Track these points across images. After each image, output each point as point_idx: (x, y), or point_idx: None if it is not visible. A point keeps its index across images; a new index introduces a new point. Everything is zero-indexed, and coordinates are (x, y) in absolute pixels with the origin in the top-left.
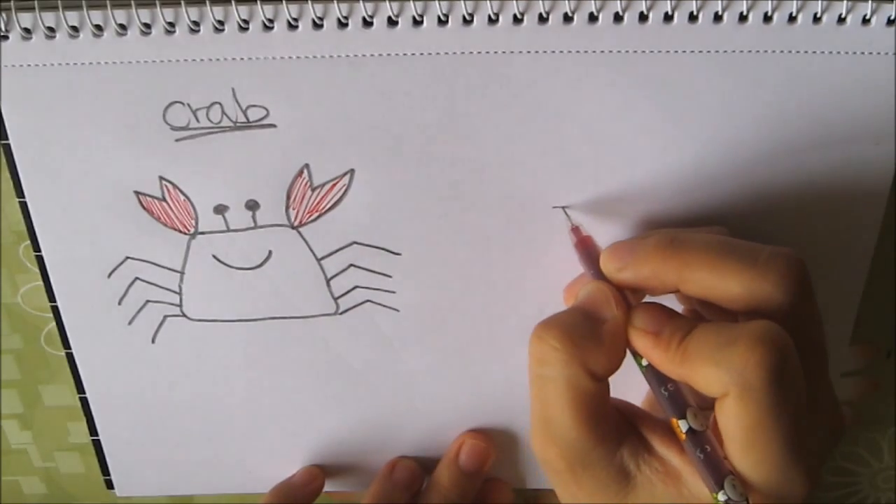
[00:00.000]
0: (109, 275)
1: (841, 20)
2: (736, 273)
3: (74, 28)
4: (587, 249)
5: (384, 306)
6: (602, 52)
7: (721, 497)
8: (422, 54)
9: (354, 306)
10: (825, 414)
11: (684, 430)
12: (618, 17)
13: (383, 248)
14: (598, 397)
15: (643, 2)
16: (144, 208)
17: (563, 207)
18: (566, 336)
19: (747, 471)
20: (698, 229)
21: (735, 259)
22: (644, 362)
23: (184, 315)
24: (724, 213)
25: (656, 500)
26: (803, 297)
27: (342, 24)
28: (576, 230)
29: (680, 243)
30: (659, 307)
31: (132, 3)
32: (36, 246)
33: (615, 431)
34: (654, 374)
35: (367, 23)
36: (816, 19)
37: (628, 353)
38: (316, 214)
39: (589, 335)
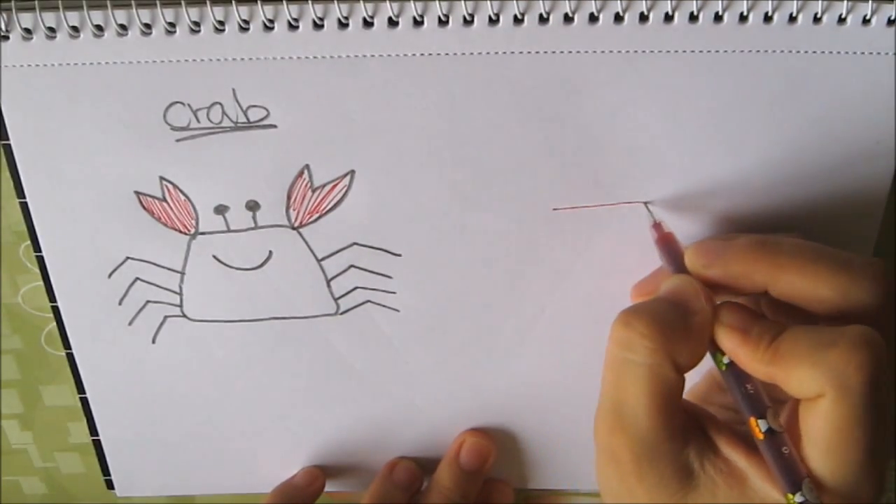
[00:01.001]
0: (110, 275)
1: (841, 20)
2: (829, 277)
3: (75, 28)
4: (669, 245)
5: (384, 307)
6: (602, 52)
7: (798, 499)
8: (422, 55)
9: (355, 307)
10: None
11: (763, 430)
12: (618, 18)
13: (383, 249)
14: (676, 391)
15: (643, 2)
16: (145, 208)
17: (645, 203)
18: (656, 324)
19: (825, 473)
20: (781, 235)
21: (830, 263)
22: (725, 360)
23: (184, 315)
24: (723, 213)
25: (717, 500)
26: (889, 306)
27: (343, 25)
28: (657, 226)
29: (772, 245)
30: (745, 307)
31: (133, 3)
32: (36, 246)
33: (684, 429)
34: (734, 373)
35: (367, 23)
36: (817, 19)
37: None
38: (316, 215)
39: (678, 327)
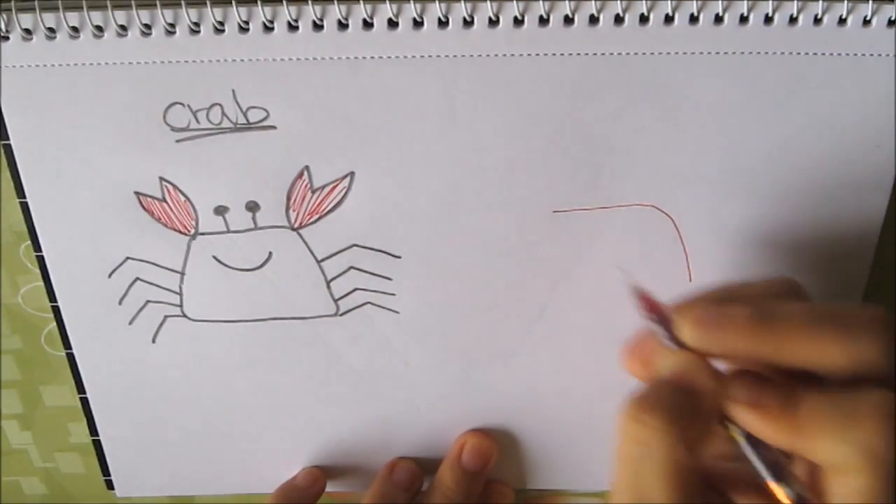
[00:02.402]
0: (110, 275)
1: (842, 21)
2: (838, 343)
3: (75, 29)
4: (658, 313)
5: (384, 308)
6: (603, 53)
7: None
8: (422, 56)
9: (354, 308)
10: None
11: (791, 497)
12: (618, 19)
13: (383, 251)
14: (694, 472)
15: (644, 3)
16: (145, 209)
17: (621, 269)
18: (670, 416)
19: None
20: (767, 283)
21: (834, 329)
22: (740, 432)
23: (184, 315)
24: (724, 215)
25: None
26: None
27: (342, 26)
28: (643, 296)
29: (775, 318)
30: (753, 375)
31: (133, 4)
32: (36, 246)
33: (702, 493)
34: (751, 443)
35: (367, 24)
36: (817, 21)
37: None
38: (316, 216)
39: (690, 412)
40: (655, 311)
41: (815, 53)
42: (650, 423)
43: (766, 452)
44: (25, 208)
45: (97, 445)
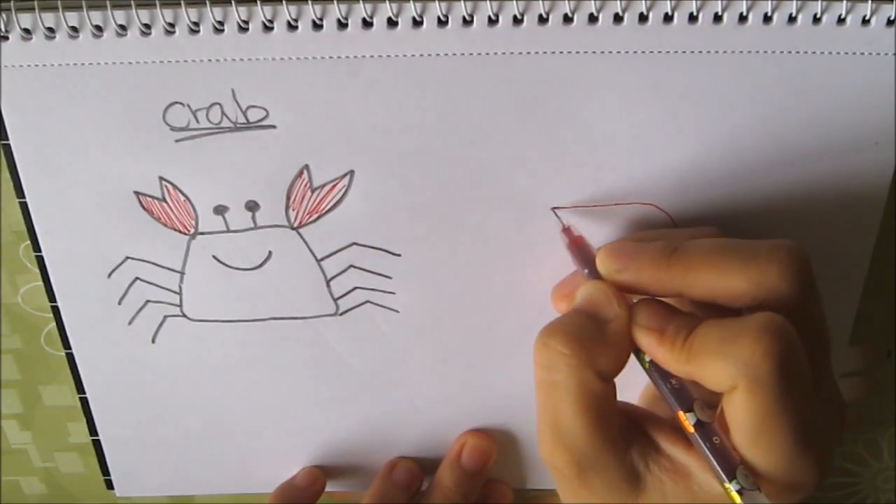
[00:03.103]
0: (109, 275)
1: (841, 21)
2: (740, 270)
3: (74, 28)
4: (580, 250)
5: (384, 307)
6: (602, 52)
7: (734, 487)
8: (422, 55)
9: (354, 307)
10: (830, 404)
11: (692, 423)
12: (618, 18)
13: (383, 249)
14: (608, 399)
15: (643, 2)
16: (144, 209)
17: (553, 209)
18: (573, 340)
19: (757, 461)
20: (689, 230)
21: (737, 257)
22: (647, 359)
23: (184, 315)
24: (723, 214)
25: (667, 499)
26: (806, 285)
27: (342, 25)
28: (567, 231)
29: (682, 252)
30: (660, 304)
31: (132, 3)
32: (36, 246)
33: (623, 433)
34: (657, 371)
35: (366, 24)
36: (816, 20)
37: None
38: (316, 215)
39: (595, 337)
40: (580, 247)
41: (814, 52)
42: (554, 347)
43: (674, 382)
44: (25, 208)
45: (97, 445)
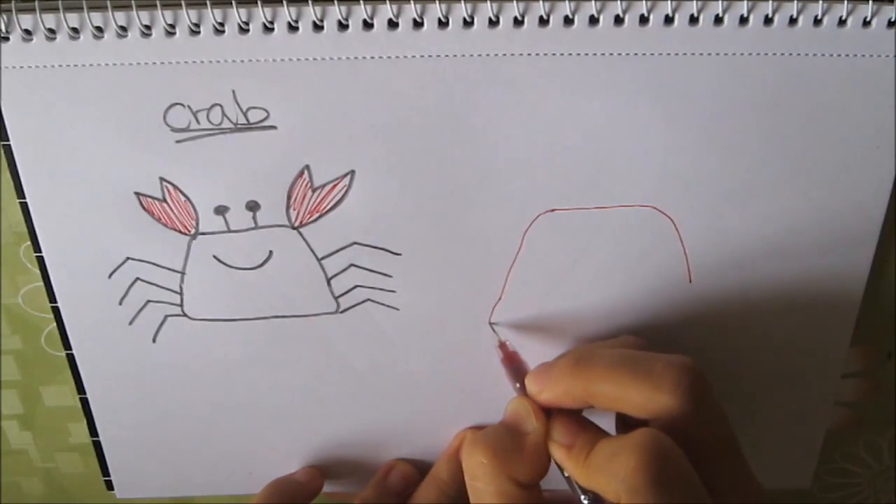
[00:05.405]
0: (110, 275)
1: (842, 22)
2: (634, 385)
3: (75, 29)
4: (514, 365)
5: (384, 305)
6: (603, 54)
7: None
8: (422, 56)
9: (355, 305)
10: (747, 499)
11: None
12: (618, 20)
13: (384, 249)
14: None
15: (644, 3)
16: (145, 209)
17: (491, 324)
18: (491, 450)
19: None
20: (607, 342)
21: (633, 371)
22: (566, 473)
23: (185, 315)
24: (723, 214)
25: None
26: (698, 399)
27: (342, 26)
28: (503, 346)
29: (585, 361)
30: (575, 419)
31: (133, 4)
32: (37, 247)
33: None
34: (574, 484)
35: (367, 25)
36: (817, 21)
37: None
38: (317, 215)
39: (513, 448)
40: (513, 362)
41: (814, 54)
42: (475, 457)
43: (591, 495)
44: (25, 209)
45: (97, 446)
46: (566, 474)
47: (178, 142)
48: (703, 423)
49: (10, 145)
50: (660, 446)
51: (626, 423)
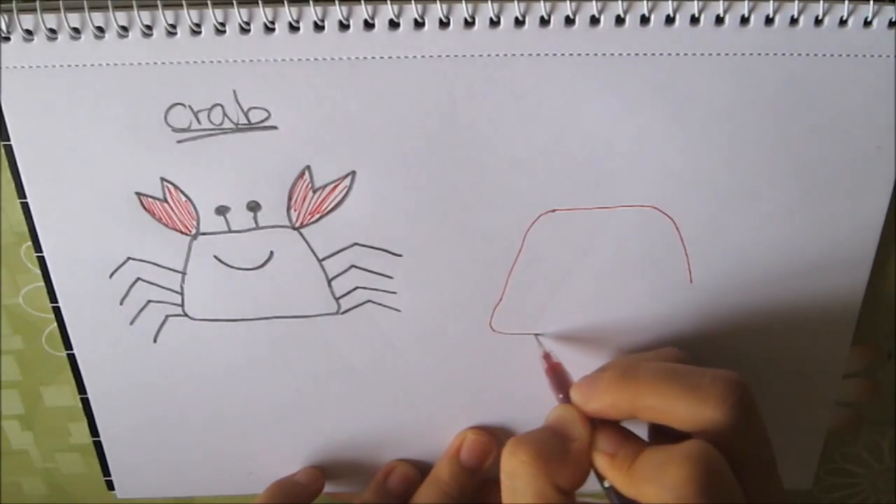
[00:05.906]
0: (111, 275)
1: (842, 23)
2: (681, 399)
3: (76, 30)
4: (557, 376)
5: (385, 307)
6: (603, 54)
7: None
8: (423, 57)
9: (356, 306)
10: None
11: None
12: (619, 20)
13: (384, 250)
14: None
15: (645, 4)
16: (146, 209)
17: (535, 335)
18: (535, 452)
19: None
20: (650, 354)
21: (680, 385)
22: (606, 483)
23: (185, 315)
24: (723, 215)
25: None
26: (744, 415)
27: (343, 27)
28: (547, 357)
29: (631, 375)
30: (618, 429)
31: (133, 4)
32: (37, 247)
33: None
34: (615, 493)
35: (368, 25)
36: (818, 22)
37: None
38: (317, 215)
39: (558, 453)
40: (557, 373)
41: (815, 54)
42: (518, 457)
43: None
44: (26, 209)
45: (98, 446)
46: (607, 484)
47: (179, 142)
48: (745, 438)
49: (10, 145)
50: (710, 458)
51: (663, 435)
